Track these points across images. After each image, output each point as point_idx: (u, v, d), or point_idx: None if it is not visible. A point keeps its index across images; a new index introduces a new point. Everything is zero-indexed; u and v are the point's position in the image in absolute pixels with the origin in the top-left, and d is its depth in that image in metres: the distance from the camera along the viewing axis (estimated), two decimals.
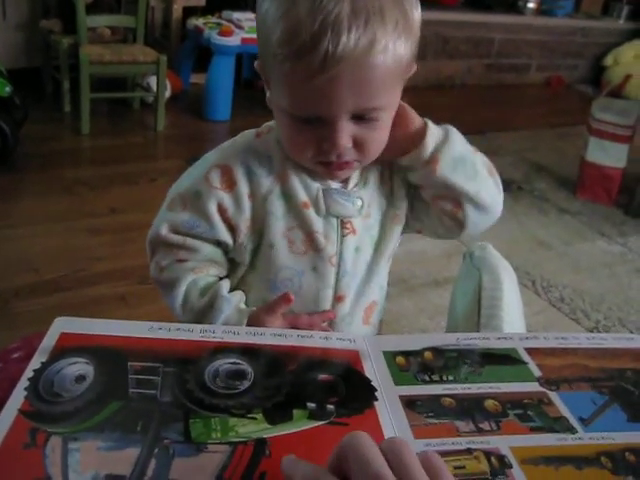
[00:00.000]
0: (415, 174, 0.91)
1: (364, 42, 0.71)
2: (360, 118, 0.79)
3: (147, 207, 3.06)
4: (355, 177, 0.92)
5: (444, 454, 0.60)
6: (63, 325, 0.71)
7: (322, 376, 0.69)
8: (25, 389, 0.62)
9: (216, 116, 4.17)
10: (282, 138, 0.87)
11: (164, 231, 0.91)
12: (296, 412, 0.63)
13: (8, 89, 3.14)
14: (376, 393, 0.68)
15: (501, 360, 0.76)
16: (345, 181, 0.92)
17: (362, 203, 0.92)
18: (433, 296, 2.48)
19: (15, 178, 3.09)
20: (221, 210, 0.89)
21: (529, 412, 0.67)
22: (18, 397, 0.61)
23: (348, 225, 0.91)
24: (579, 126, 4.13)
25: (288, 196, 0.89)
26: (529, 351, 0.77)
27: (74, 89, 3.82)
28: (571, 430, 0.65)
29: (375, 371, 0.71)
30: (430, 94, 5.53)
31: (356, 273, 0.94)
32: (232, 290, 0.93)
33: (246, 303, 0.92)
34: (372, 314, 1.00)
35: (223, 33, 4.06)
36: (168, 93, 4.17)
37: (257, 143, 0.92)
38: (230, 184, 0.89)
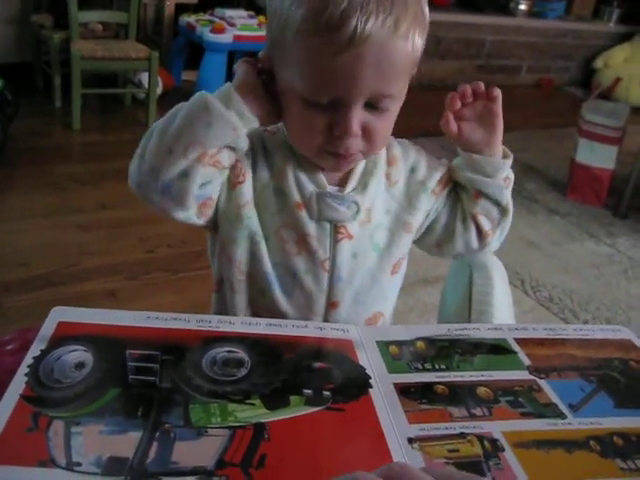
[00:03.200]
0: (479, 179, 0.99)
1: (390, 23, 0.73)
2: (372, 106, 0.80)
3: (137, 203, 3.03)
4: (354, 181, 0.91)
5: (438, 438, 0.61)
6: (60, 314, 0.72)
7: (317, 364, 0.70)
8: (25, 375, 0.62)
9: None
10: (290, 128, 0.87)
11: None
12: (293, 398, 0.64)
13: None
14: (370, 380, 0.69)
15: (492, 349, 0.77)
16: (342, 184, 0.91)
17: (358, 208, 0.90)
18: (422, 294, 2.49)
19: (5, 173, 3.08)
20: (238, 165, 0.88)
21: (520, 399, 0.69)
22: (19, 383, 0.61)
23: (342, 230, 0.89)
24: (569, 128, 4.15)
25: (282, 194, 0.89)
26: (518, 341, 0.78)
27: (65, 84, 3.81)
28: (561, 416, 0.67)
29: (369, 359, 0.73)
30: (422, 95, 5.53)
31: (353, 280, 0.92)
32: (222, 290, 0.93)
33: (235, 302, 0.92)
34: (376, 325, 0.97)
35: (215, 30, 4.06)
36: (159, 90, 4.16)
37: (266, 137, 0.92)
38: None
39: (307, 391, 0.65)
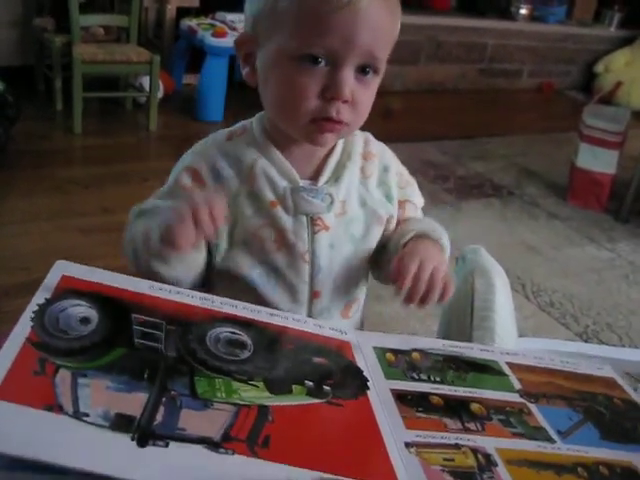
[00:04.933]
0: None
1: None
2: (362, 71, 0.83)
3: None
4: (327, 173, 0.94)
5: (434, 446, 0.61)
6: (64, 268, 0.72)
7: (317, 359, 0.70)
8: (31, 319, 0.62)
9: (208, 117, 4.17)
10: (279, 101, 0.88)
11: (138, 207, 0.98)
12: (295, 387, 0.65)
13: (0, 87, 3.14)
14: (368, 383, 0.69)
15: (484, 369, 0.78)
16: (315, 177, 0.94)
17: (332, 199, 0.93)
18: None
19: (6, 176, 3.07)
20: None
21: (511, 419, 0.69)
22: (24, 326, 0.61)
23: (319, 222, 0.92)
24: (570, 132, 4.15)
25: (256, 196, 0.91)
26: (509, 365, 0.79)
27: (67, 88, 3.81)
28: (550, 440, 0.67)
29: (366, 363, 0.73)
30: (423, 98, 5.55)
31: (332, 269, 0.95)
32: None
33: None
34: (351, 310, 1.01)
35: (217, 34, 4.06)
36: (161, 93, 4.16)
37: (227, 146, 0.94)
38: (200, 185, 0.92)
39: (309, 383, 0.66)
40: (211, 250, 0.92)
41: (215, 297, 0.77)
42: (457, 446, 0.63)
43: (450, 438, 0.63)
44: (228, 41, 4.06)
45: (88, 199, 2.99)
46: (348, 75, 0.81)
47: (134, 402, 0.56)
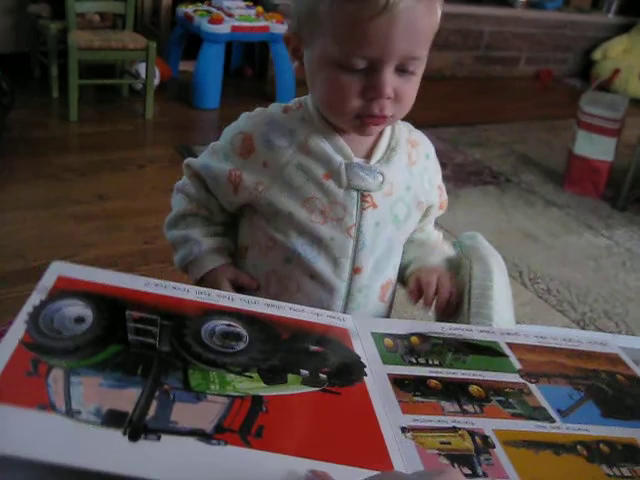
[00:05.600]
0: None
1: None
2: (402, 70, 0.86)
3: (135, 194, 3.07)
4: (379, 153, 0.98)
5: (430, 430, 0.61)
6: (60, 269, 0.73)
7: (314, 347, 0.70)
8: (25, 322, 0.62)
9: (205, 104, 4.16)
10: (323, 97, 0.92)
11: (192, 162, 1.04)
12: (290, 376, 0.65)
13: None
14: (365, 369, 0.69)
15: (484, 351, 0.78)
16: (368, 156, 0.97)
17: (383, 179, 0.96)
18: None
19: (2, 164, 3.06)
20: (234, 172, 0.96)
21: (510, 400, 0.69)
22: (19, 328, 0.61)
23: (368, 199, 0.95)
24: (567, 119, 4.15)
25: (307, 168, 0.94)
26: (510, 345, 0.79)
27: (62, 75, 3.80)
28: (549, 419, 0.67)
29: (364, 349, 0.73)
30: (420, 85, 5.53)
31: (375, 247, 0.98)
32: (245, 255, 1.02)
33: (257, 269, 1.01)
34: (387, 292, 1.05)
35: (213, 21, 4.04)
36: (157, 80, 4.15)
37: (282, 117, 0.98)
38: (249, 151, 0.96)
39: (304, 371, 0.66)
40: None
41: (211, 290, 0.77)
42: (454, 429, 0.63)
43: (447, 421, 0.64)
44: (224, 28, 4.04)
45: (84, 187, 2.98)
46: (388, 76, 0.84)
47: (126, 398, 0.57)
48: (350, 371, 0.68)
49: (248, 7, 4.38)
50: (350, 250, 0.95)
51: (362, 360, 0.71)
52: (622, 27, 6.82)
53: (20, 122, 3.48)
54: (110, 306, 0.68)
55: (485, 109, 5.28)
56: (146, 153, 3.49)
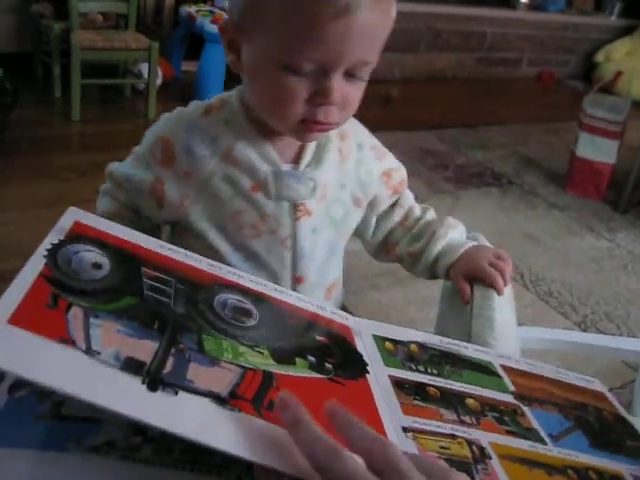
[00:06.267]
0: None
1: None
2: (350, 75, 0.79)
3: None
4: (308, 156, 0.91)
5: (430, 433, 0.61)
6: (77, 214, 0.72)
7: (319, 337, 0.70)
8: (44, 257, 0.61)
9: None
10: (264, 100, 0.84)
11: (114, 170, 1.00)
12: (298, 360, 0.64)
13: None
14: (367, 367, 0.69)
15: (479, 368, 0.78)
16: (296, 161, 0.90)
17: (315, 185, 0.90)
18: (421, 287, 2.48)
19: (4, 163, 3.07)
20: (156, 185, 0.91)
21: (505, 417, 0.69)
22: (38, 261, 0.60)
23: (301, 207, 0.90)
24: (569, 121, 4.15)
25: (234, 180, 0.88)
26: (504, 368, 0.79)
27: (65, 75, 3.80)
28: (541, 441, 0.68)
29: (365, 349, 0.72)
30: (422, 87, 5.54)
31: (315, 254, 0.94)
32: None
33: None
34: (333, 291, 1.01)
35: (216, 21, 4.04)
36: (159, 80, 4.15)
37: (203, 122, 0.90)
38: (170, 160, 0.89)
39: (311, 358, 0.65)
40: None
41: (222, 265, 0.75)
42: (453, 436, 0.63)
43: (446, 428, 0.64)
44: None
45: (85, 186, 2.98)
46: (337, 81, 0.78)
47: (144, 348, 0.56)
48: (353, 366, 0.68)
49: None
50: (288, 261, 0.91)
51: (364, 358, 0.70)
52: (625, 29, 6.82)
53: (22, 121, 3.48)
54: (126, 259, 0.67)
55: (487, 111, 5.28)
56: None
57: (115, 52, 3.77)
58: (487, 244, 1.07)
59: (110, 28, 4.13)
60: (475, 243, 1.02)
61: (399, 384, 0.68)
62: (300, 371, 0.63)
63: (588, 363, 2.24)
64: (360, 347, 0.72)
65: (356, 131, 0.99)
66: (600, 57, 6.63)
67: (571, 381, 0.82)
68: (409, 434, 0.61)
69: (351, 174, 0.96)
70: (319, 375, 0.63)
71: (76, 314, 0.56)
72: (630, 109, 3.67)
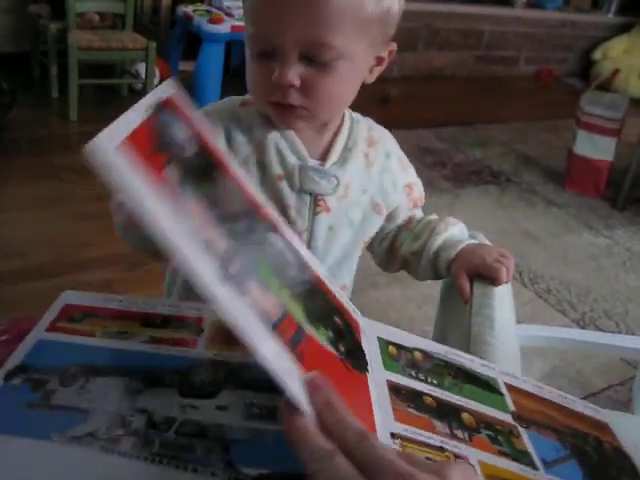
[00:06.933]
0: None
1: None
2: (311, 60, 0.79)
3: None
4: (334, 155, 0.93)
5: (418, 443, 0.61)
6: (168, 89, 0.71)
7: (337, 319, 0.70)
8: (148, 109, 0.63)
9: (205, 103, 4.09)
10: (247, 82, 0.88)
11: None
12: (321, 328, 0.64)
13: None
14: (367, 367, 0.69)
15: (481, 384, 0.77)
16: (323, 159, 0.93)
17: (337, 182, 0.92)
18: (421, 285, 2.47)
19: (2, 163, 3.06)
20: None
21: (499, 437, 0.68)
22: (145, 104, 0.63)
23: (321, 203, 0.92)
24: (568, 119, 4.15)
25: (263, 166, 0.90)
26: (507, 386, 0.78)
27: (62, 75, 3.80)
28: (533, 466, 0.66)
29: (368, 349, 0.72)
30: (420, 85, 5.53)
31: (328, 253, 0.95)
32: None
33: None
34: None
35: (213, 21, 4.04)
36: (157, 80, 4.14)
37: (241, 112, 0.93)
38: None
39: (330, 333, 0.65)
40: None
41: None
42: (441, 449, 0.62)
43: (436, 440, 0.63)
44: (224, 27, 4.04)
45: (84, 186, 2.98)
46: (288, 62, 0.79)
47: (217, 237, 0.56)
48: (357, 361, 0.68)
49: None
50: None
51: (367, 357, 0.70)
52: (622, 27, 6.82)
53: (20, 121, 3.48)
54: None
55: (485, 109, 5.28)
56: None
57: (112, 52, 3.77)
58: (487, 243, 1.06)
59: (107, 28, 4.13)
60: (475, 241, 1.01)
61: (396, 389, 0.68)
62: (321, 339, 0.62)
63: (587, 360, 2.25)
64: (364, 345, 0.72)
65: (385, 140, 1.01)
66: (598, 55, 6.63)
67: (576, 408, 0.81)
68: (397, 441, 0.60)
69: (375, 180, 0.98)
70: (334, 351, 0.63)
71: (172, 170, 0.57)
72: (627, 106, 3.67)
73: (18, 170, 3.05)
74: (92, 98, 4.14)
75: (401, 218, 1.04)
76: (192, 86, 4.20)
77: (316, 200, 0.91)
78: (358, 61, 0.83)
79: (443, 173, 3.70)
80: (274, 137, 0.90)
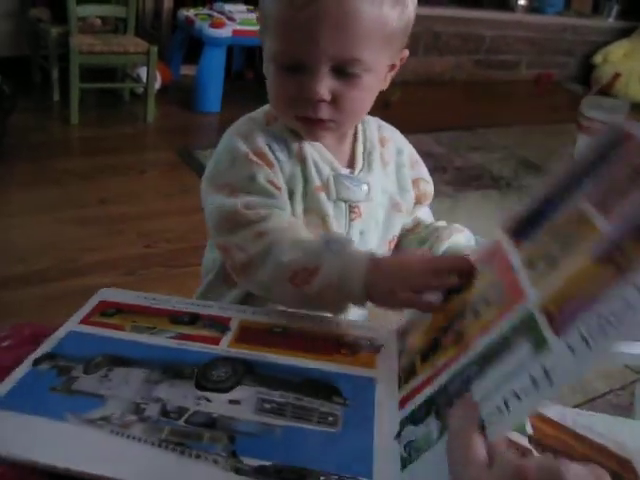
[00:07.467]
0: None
1: None
2: (341, 72, 0.80)
3: (136, 199, 3.06)
4: (359, 162, 0.95)
5: None
6: None
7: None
8: None
9: (206, 108, 4.16)
10: (270, 98, 0.88)
11: (240, 207, 0.85)
12: None
13: None
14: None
15: None
16: (351, 166, 0.95)
17: (368, 188, 0.94)
18: None
19: (3, 168, 3.06)
20: (273, 182, 0.88)
21: None
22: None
23: (356, 209, 0.93)
24: (568, 123, 4.14)
25: (305, 179, 0.91)
26: None
27: (63, 79, 3.80)
28: None
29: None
30: (420, 89, 5.53)
31: None
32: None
33: None
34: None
35: (214, 25, 4.04)
36: (158, 84, 4.15)
37: (272, 129, 0.92)
38: (269, 161, 0.88)
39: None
40: None
41: None
42: None
43: None
44: (226, 32, 4.04)
45: (85, 191, 2.98)
46: (319, 77, 0.79)
47: None
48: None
49: (249, 11, 4.38)
50: None
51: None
52: (622, 31, 6.82)
53: (21, 126, 3.48)
54: None
55: (485, 113, 5.28)
56: (147, 157, 3.49)
57: (114, 56, 3.77)
58: None
59: (109, 32, 4.13)
60: None
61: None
62: None
63: None
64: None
65: (395, 137, 1.03)
66: (598, 59, 6.63)
67: (600, 441, 0.79)
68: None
69: (392, 179, 1.00)
70: None
71: None
72: (628, 110, 3.67)
73: (19, 175, 3.05)
74: (93, 102, 4.14)
75: (411, 218, 1.06)
76: (193, 90, 4.21)
77: (351, 207, 0.93)
78: (380, 71, 0.85)
79: (443, 178, 3.69)
80: (308, 149, 0.91)
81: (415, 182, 1.04)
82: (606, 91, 5.79)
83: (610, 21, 7.05)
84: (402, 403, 0.64)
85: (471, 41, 6.19)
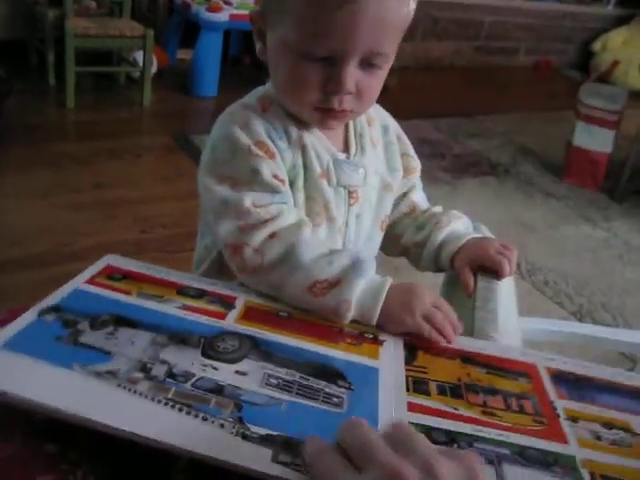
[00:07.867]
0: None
1: None
2: (366, 64, 0.81)
3: (132, 183, 3.06)
4: (354, 145, 0.94)
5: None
6: None
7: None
8: None
9: (203, 92, 4.14)
10: (282, 86, 0.86)
11: (248, 204, 0.83)
12: None
13: None
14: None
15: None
16: (346, 150, 0.94)
17: (365, 172, 0.94)
18: (420, 276, 2.48)
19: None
20: (277, 176, 0.86)
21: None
22: None
23: (354, 194, 0.93)
24: (566, 110, 4.14)
25: (306, 167, 0.90)
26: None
27: (59, 62, 3.78)
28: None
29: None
30: (419, 75, 5.52)
31: (357, 240, 0.97)
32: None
33: None
34: None
35: (211, 9, 4.02)
36: (154, 68, 4.12)
37: (268, 117, 0.89)
38: (271, 154, 0.86)
39: None
40: None
41: None
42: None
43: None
44: (223, 16, 4.02)
45: (81, 175, 2.97)
46: (350, 70, 0.79)
47: None
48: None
49: None
50: (341, 247, 0.94)
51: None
52: (622, 19, 6.81)
53: (17, 109, 3.46)
54: None
55: (484, 99, 5.27)
56: (143, 141, 3.48)
57: (109, 39, 3.75)
58: (490, 235, 1.06)
59: (104, 15, 4.10)
60: (479, 235, 1.01)
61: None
62: None
63: (584, 352, 2.24)
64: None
65: (379, 114, 1.02)
66: (597, 46, 6.62)
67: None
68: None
69: (381, 159, 1.00)
70: None
71: None
72: (626, 98, 3.66)
73: (14, 158, 3.04)
74: (89, 86, 4.12)
75: (413, 192, 1.07)
76: (190, 74, 4.19)
77: (349, 193, 0.93)
78: (393, 58, 0.86)
79: (441, 164, 3.69)
80: (309, 136, 0.90)
81: (404, 155, 1.04)
82: (605, 78, 5.78)
83: (609, 8, 7.04)
84: (412, 408, 0.63)
85: (470, 27, 6.17)
